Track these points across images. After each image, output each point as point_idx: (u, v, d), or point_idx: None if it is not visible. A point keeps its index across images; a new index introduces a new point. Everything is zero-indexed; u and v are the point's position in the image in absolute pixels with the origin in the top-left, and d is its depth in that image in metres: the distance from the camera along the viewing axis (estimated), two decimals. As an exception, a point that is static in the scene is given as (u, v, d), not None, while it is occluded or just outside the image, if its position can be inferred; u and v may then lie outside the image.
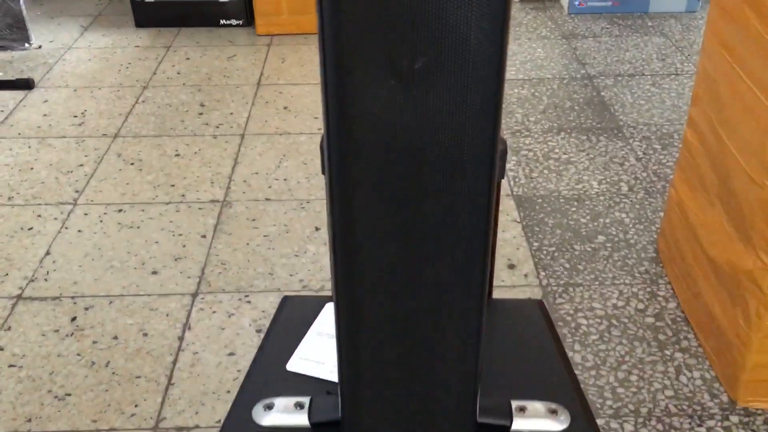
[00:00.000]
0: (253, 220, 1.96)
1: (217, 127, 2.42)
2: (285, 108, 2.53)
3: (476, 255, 0.60)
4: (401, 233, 0.59)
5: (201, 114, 2.50)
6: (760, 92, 1.29)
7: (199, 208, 2.01)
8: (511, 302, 1.18)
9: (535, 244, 1.86)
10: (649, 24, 3.14)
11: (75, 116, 2.48)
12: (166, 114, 2.50)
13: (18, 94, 2.61)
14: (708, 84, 1.53)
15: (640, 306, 1.66)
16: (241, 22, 3.18)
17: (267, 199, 2.04)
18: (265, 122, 2.45)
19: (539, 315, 0.93)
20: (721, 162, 1.46)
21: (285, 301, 0.97)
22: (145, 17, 3.18)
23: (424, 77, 0.53)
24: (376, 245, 0.60)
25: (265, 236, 1.90)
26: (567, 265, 1.78)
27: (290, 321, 0.93)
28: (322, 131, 0.57)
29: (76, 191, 2.08)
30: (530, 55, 2.89)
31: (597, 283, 1.73)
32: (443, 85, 0.53)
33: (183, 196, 2.06)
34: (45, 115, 2.48)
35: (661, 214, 1.94)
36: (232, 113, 2.51)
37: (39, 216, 1.97)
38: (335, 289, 0.63)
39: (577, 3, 3.23)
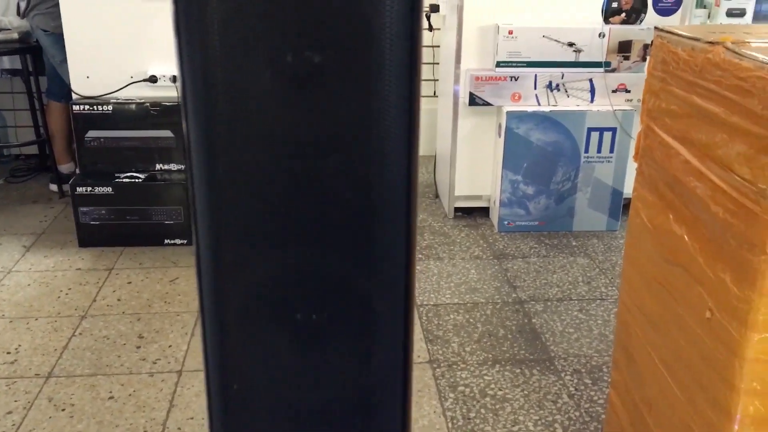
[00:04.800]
0: (187, 477, 1.91)
1: (155, 363, 2.40)
2: (225, 340, 2.54)
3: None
4: None
5: (138, 347, 2.49)
6: (674, 383, 1.38)
7: (131, 464, 1.95)
8: None
9: (474, 499, 1.85)
10: (574, 243, 3.35)
11: (8, 353, 2.44)
12: (102, 348, 2.48)
13: (-51, 327, 2.57)
14: (626, 355, 1.63)
15: None
16: (185, 241, 3.26)
17: (202, 451, 2.00)
18: (204, 356, 2.44)
19: None
20: (644, 436, 1.52)
21: None
22: (88, 237, 3.23)
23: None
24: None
25: (198, 497, 1.84)
26: None
27: None
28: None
29: (1, 446, 2.00)
30: (464, 276, 3.02)
31: None
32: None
33: (114, 449, 2.00)
34: (-24, 352, 2.43)
35: (596, 461, 1.97)
36: (170, 345, 2.50)
37: (-43, 480, 1.88)
38: None
39: (506, 222, 3.44)
